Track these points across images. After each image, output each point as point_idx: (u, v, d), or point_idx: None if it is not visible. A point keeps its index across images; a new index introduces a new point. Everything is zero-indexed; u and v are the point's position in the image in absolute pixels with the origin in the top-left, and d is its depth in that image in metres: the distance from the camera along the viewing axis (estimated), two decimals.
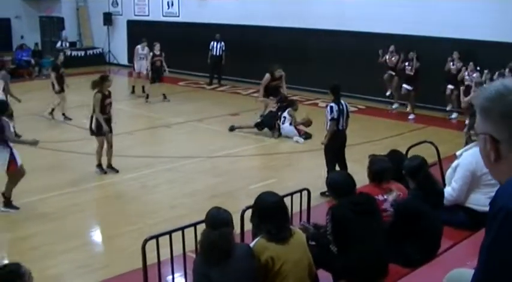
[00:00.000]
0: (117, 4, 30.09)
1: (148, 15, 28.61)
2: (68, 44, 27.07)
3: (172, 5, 27.38)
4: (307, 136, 15.21)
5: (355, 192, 6.08)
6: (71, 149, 14.33)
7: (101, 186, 11.65)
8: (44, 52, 29.58)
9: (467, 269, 3.49)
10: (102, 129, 12.09)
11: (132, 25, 29.01)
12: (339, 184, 6.05)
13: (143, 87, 21.63)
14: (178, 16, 27.13)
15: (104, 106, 12.15)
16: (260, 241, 5.18)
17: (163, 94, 20.17)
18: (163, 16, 27.80)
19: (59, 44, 26.86)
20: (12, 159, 10.00)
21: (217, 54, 23.37)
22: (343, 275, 5.88)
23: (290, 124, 15.36)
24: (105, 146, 12.32)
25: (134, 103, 20.57)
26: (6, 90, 15.21)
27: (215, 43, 23.30)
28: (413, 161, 6.57)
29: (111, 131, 12.36)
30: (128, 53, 29.35)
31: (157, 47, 20.69)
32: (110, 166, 12.47)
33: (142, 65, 21.47)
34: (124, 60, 29.62)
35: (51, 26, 31.14)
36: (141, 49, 21.74)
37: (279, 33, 22.18)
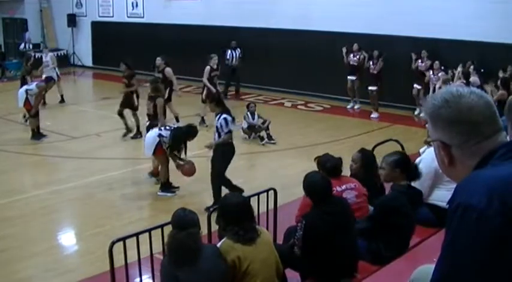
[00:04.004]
0: (81, 5, 29.83)
1: (112, 17, 28.37)
2: (31, 46, 26.71)
3: (136, 6, 27.21)
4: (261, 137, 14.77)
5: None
6: (37, 152, 14.18)
7: (67, 189, 11.50)
8: (7, 54, 29.25)
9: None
10: None
11: (96, 26, 28.78)
12: (318, 185, 5.84)
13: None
14: (143, 17, 26.97)
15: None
16: (226, 242, 5.16)
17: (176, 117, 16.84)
18: (127, 17, 27.57)
19: (22, 46, 26.49)
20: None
21: (233, 63, 21.30)
22: (310, 274, 5.88)
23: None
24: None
25: (99, 104, 20.38)
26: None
27: (231, 51, 21.26)
28: (395, 155, 6.54)
29: None
30: (92, 55, 29.21)
31: (214, 61, 17.07)
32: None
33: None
34: (89, 62, 29.51)
35: (14, 28, 30.79)
36: (44, 57, 20.25)
37: (244, 33, 22.09)
